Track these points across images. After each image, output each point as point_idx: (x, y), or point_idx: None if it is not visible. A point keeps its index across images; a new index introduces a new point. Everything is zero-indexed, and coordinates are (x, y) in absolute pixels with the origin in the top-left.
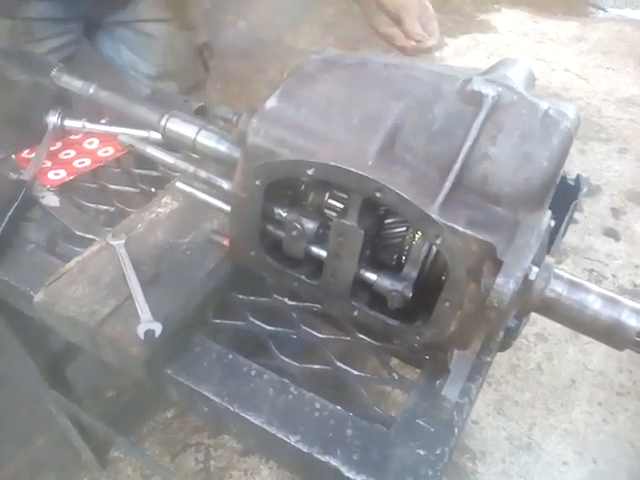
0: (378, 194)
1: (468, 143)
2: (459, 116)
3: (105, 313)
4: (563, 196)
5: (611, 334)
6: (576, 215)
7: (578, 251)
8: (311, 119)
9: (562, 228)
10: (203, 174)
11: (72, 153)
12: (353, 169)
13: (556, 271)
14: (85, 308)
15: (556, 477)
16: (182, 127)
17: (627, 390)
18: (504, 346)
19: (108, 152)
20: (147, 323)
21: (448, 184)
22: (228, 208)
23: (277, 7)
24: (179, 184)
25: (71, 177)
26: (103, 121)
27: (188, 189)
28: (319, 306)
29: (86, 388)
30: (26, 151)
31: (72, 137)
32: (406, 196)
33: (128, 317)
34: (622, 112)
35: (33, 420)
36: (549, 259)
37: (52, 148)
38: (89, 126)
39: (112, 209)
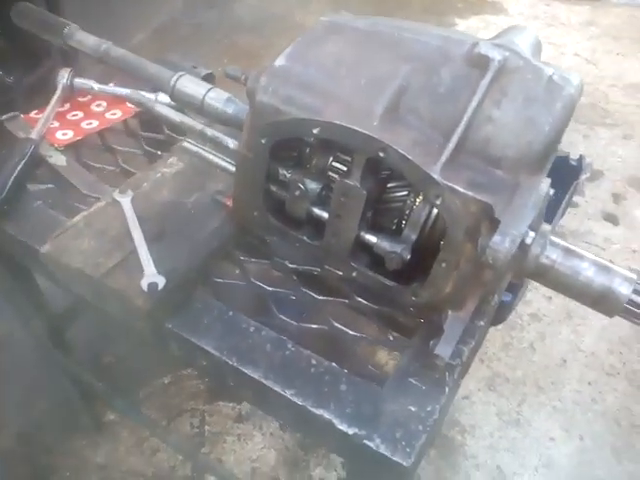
0: (382, 154)
1: (472, 105)
2: (465, 79)
3: (110, 265)
4: (565, 176)
5: (602, 301)
6: (577, 199)
7: (577, 235)
8: (319, 78)
9: (562, 207)
10: (210, 132)
11: (80, 114)
12: (358, 128)
13: (552, 238)
14: (90, 260)
15: (543, 452)
16: (191, 87)
17: (617, 371)
18: (498, 319)
19: (115, 114)
20: (151, 276)
21: (451, 146)
22: (233, 168)
23: None
24: (186, 144)
25: (78, 137)
26: (111, 84)
27: (194, 148)
28: (318, 269)
29: (85, 353)
30: (34, 111)
31: (80, 99)
32: (409, 156)
33: (132, 270)
34: (630, 98)
35: (33, 385)
36: (546, 226)
37: (60, 110)
38: (98, 87)
39: (117, 170)
